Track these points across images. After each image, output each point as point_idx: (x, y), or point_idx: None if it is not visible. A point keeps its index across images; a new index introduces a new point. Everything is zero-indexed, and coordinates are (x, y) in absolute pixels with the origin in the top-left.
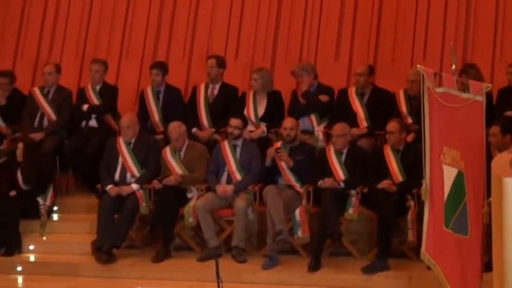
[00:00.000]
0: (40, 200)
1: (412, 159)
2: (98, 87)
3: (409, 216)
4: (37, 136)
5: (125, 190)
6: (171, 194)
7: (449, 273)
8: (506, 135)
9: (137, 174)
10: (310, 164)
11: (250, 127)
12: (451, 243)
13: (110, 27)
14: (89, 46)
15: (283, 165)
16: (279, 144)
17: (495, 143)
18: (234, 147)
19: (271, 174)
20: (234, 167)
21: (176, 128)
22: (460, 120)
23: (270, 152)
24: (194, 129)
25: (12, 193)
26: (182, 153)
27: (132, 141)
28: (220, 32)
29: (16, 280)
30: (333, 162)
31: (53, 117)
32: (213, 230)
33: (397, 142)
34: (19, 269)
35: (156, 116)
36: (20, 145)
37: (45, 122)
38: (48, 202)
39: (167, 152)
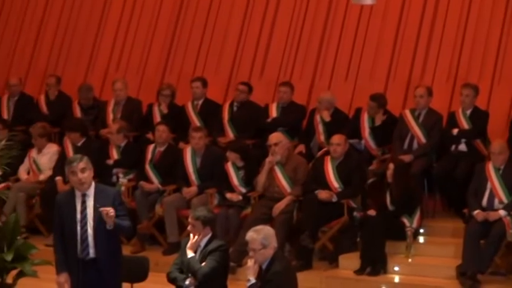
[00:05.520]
0: (406, 221)
1: None
2: (468, 112)
3: None
4: (406, 158)
5: (492, 216)
6: None
7: None
8: None
9: (505, 200)
10: None
11: None
12: None
13: (483, 50)
14: (461, 70)
15: None
16: None
17: None
18: None
19: None
20: None
21: None
22: None
23: None
24: None
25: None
26: None
27: (502, 167)
28: None
29: None
30: None
31: (423, 140)
32: None
33: None
34: None
35: None
36: (391, 166)
37: (415, 145)
38: (414, 224)
39: None
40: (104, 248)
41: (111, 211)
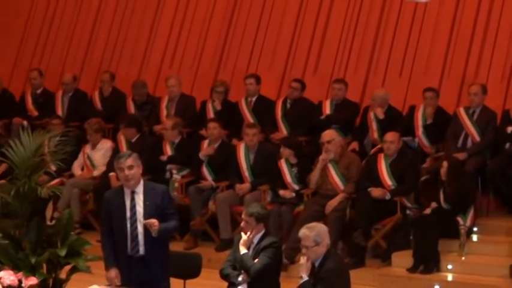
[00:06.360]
0: (460, 220)
1: None
2: None
3: None
4: (460, 156)
5: None
6: None
7: None
8: None
9: None
10: None
11: None
12: None
13: None
14: None
15: None
16: None
17: None
18: None
19: None
20: None
21: None
22: None
23: None
24: None
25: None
26: None
27: None
28: None
29: None
30: None
31: (477, 138)
32: None
33: None
34: (436, 287)
35: None
36: (445, 164)
37: (469, 143)
38: (468, 223)
39: None
40: (153, 244)
41: (155, 223)
